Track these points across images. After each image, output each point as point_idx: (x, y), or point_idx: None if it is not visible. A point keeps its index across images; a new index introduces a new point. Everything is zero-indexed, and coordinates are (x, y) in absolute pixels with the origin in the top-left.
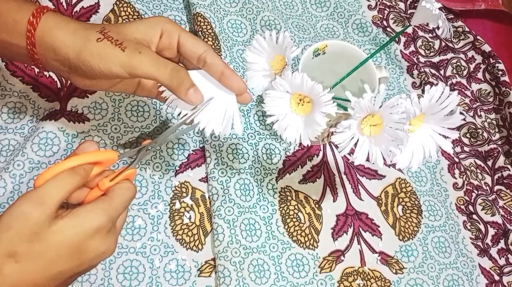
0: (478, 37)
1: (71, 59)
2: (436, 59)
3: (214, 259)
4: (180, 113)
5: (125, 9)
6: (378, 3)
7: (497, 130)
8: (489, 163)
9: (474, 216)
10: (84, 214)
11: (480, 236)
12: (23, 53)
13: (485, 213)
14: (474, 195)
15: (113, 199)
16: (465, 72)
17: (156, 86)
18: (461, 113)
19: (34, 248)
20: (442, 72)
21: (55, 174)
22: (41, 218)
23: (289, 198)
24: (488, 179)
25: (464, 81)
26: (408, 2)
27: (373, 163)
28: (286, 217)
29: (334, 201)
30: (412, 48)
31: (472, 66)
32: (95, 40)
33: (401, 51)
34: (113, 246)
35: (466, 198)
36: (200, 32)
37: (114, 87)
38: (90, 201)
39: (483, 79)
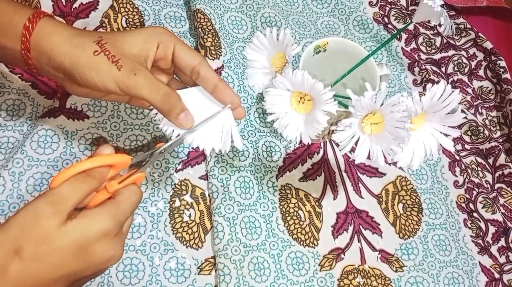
0: (479, 34)
1: (66, 67)
2: (437, 56)
3: (214, 257)
4: (173, 131)
5: (125, 5)
6: None
7: (498, 128)
8: (490, 160)
9: (475, 214)
10: (92, 217)
11: (481, 234)
12: (18, 57)
13: (486, 211)
14: (474, 193)
15: (121, 203)
16: (466, 70)
17: None
18: (462, 111)
19: (40, 248)
20: (443, 69)
21: (71, 175)
22: (53, 217)
23: (289, 195)
24: (489, 177)
25: (465, 78)
26: None
27: (374, 161)
28: (286, 215)
29: (334, 199)
30: (413, 45)
31: (473, 64)
32: (92, 52)
33: (402, 48)
34: (120, 250)
35: (467, 196)
36: (200, 29)
37: (107, 97)
38: (97, 204)
39: (484, 76)
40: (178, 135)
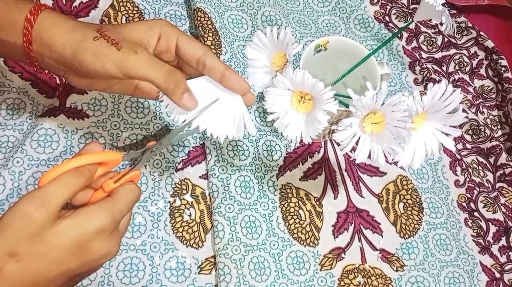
0: (481, 32)
1: (67, 57)
2: (438, 55)
3: (214, 257)
4: (184, 121)
5: (125, 4)
6: None
7: (499, 127)
8: (491, 160)
9: (476, 213)
10: (87, 214)
11: (482, 233)
12: (19, 51)
13: (487, 211)
14: (475, 192)
15: (117, 201)
16: (467, 68)
17: (154, 88)
18: (463, 110)
19: (35, 249)
20: (444, 68)
21: (59, 174)
22: (43, 218)
23: (290, 195)
24: (490, 176)
25: (466, 77)
26: None
27: (375, 161)
28: (287, 214)
29: (335, 198)
30: (414, 44)
31: (474, 62)
32: (92, 38)
33: (403, 47)
34: (115, 248)
35: (468, 195)
36: (200, 28)
37: (111, 88)
38: (94, 202)
39: (485, 75)
40: (189, 121)
